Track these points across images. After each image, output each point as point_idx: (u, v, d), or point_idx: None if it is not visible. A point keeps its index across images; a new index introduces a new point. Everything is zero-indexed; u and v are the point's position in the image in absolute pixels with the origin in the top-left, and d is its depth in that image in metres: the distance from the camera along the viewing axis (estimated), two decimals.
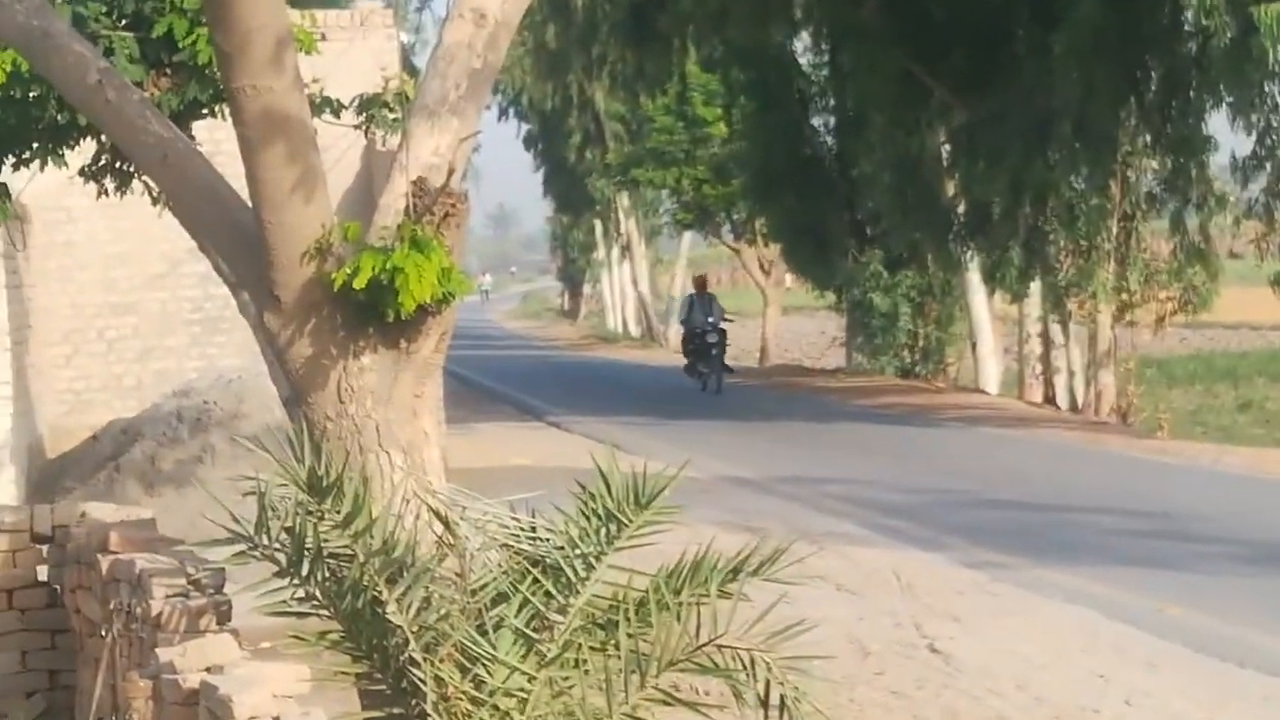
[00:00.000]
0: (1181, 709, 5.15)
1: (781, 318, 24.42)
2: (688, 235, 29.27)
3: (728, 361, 17.86)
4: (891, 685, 5.57)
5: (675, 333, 24.08)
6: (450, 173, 3.44)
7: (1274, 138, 12.76)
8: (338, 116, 5.65)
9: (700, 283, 18.87)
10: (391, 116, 6.06)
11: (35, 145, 5.88)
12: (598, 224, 31.54)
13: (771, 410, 16.56)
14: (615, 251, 31.73)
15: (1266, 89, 12.24)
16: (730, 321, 17.78)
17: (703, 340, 17.27)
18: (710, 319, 17.17)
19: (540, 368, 24.66)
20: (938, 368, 19.36)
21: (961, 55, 14.36)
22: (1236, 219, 14.46)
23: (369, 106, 6.05)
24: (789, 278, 24.53)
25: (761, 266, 23.96)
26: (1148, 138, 14.49)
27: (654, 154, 22.11)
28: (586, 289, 40.20)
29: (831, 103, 19.09)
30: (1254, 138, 12.84)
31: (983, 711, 5.18)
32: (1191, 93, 13.58)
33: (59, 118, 5.30)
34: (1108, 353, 15.22)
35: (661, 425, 14.28)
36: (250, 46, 3.21)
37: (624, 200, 27.60)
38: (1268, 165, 12.87)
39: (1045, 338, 17.19)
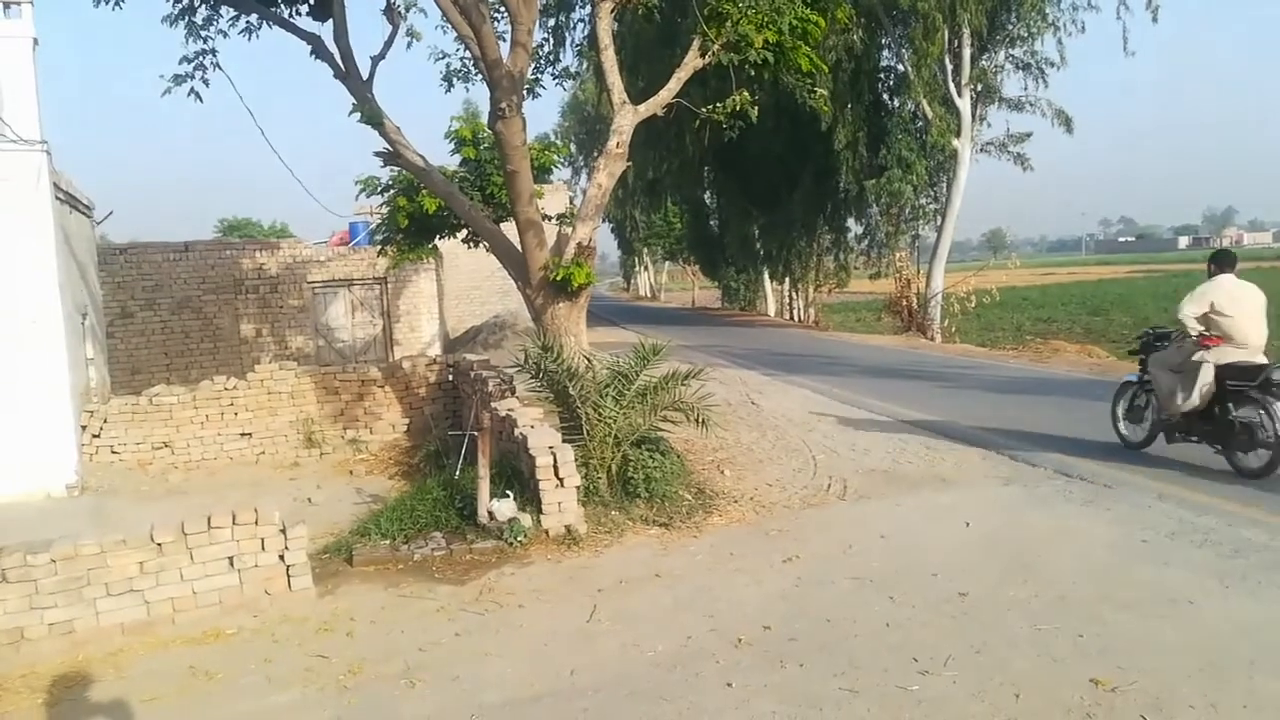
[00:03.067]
0: (841, 425, 10.61)
1: (700, 291, 58.92)
2: (667, 262, 68.48)
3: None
4: (740, 414, 11.92)
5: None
6: (590, 242, 9.43)
7: (871, 228, 30.27)
8: (551, 220, 12.17)
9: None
10: (568, 221, 12.61)
11: (445, 230, 13.06)
12: (634, 257, 70.53)
13: (695, 321, 37.38)
14: (641, 267, 73.54)
15: (869, 214, 29.69)
16: None
17: None
18: None
19: (612, 309, 49.51)
20: (752, 306, 44.10)
21: (761, 193, 31.96)
22: (857, 254, 32.58)
23: (564, 219, 12.64)
24: (702, 277, 55.31)
25: (693, 273, 57.78)
26: (827, 227, 32.89)
27: (657, 234, 53.68)
28: (631, 281, 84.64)
29: (717, 215, 42.08)
30: (864, 227, 31.14)
31: (773, 420, 11.37)
32: (842, 210, 31.38)
33: (454, 220, 12.23)
34: (809, 301, 36.28)
35: (667, 329, 29.05)
36: (519, 197, 9.32)
37: (645, 250, 63.12)
38: (865, 239, 31.04)
39: (788, 296, 38.95)
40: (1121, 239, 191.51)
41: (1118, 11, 23.60)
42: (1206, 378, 7.90)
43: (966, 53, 24.59)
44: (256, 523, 6.03)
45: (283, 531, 6.10)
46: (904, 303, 27.06)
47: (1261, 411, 7.49)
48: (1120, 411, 9.27)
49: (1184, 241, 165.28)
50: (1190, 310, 8.09)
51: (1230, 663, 4.48)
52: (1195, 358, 8.04)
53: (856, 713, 4.20)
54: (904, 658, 4.74)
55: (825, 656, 4.83)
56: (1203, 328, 8.03)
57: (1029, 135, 27.03)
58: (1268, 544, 6.16)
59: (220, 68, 10.67)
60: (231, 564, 5.96)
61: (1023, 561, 6.10)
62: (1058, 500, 7.55)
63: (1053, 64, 25.37)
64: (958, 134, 25.03)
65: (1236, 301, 8.04)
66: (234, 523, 5.98)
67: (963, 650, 4.78)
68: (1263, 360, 7.87)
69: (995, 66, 26.06)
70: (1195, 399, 7.97)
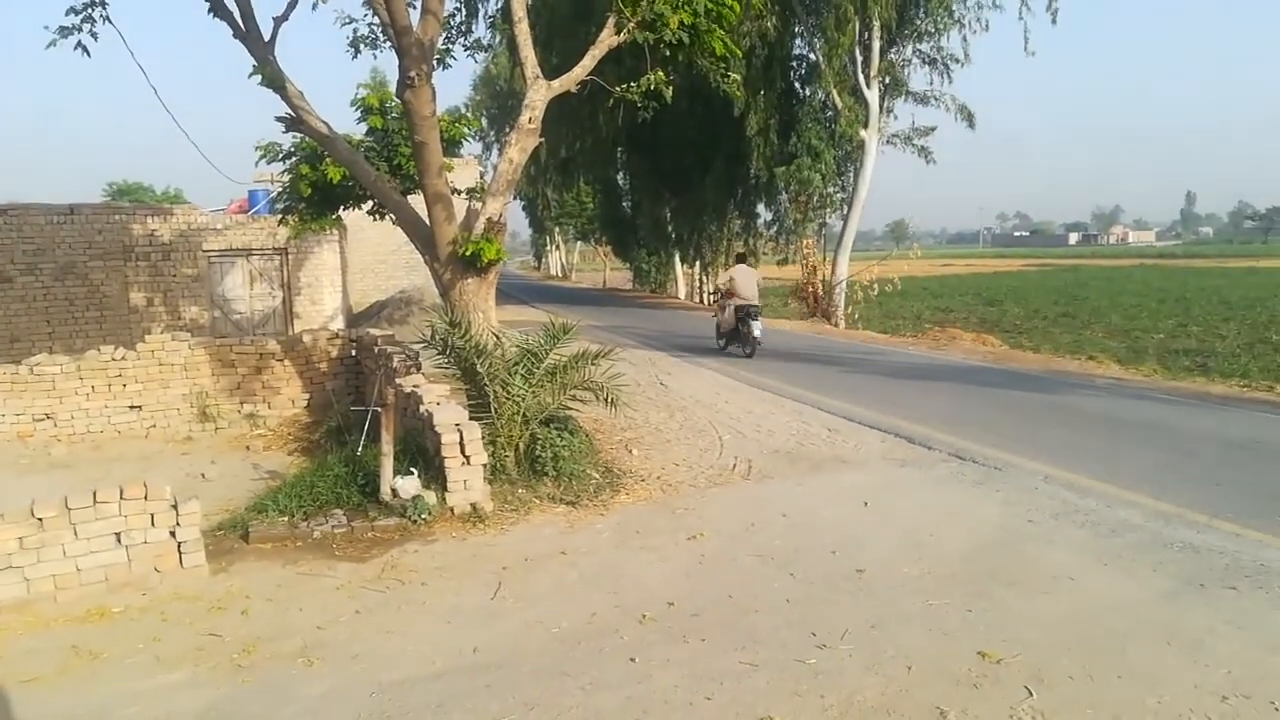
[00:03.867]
0: (746, 406, 11.47)
1: (611, 272, 57.63)
2: (579, 242, 68.85)
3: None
4: (648, 395, 12.07)
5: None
6: (500, 218, 9.30)
7: (780, 215, 30.46)
8: (461, 194, 11.93)
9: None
10: (478, 196, 12.38)
11: (349, 201, 12.64)
12: (546, 236, 69.68)
13: (605, 302, 36.27)
14: (552, 246, 73.71)
15: (778, 200, 30.02)
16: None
17: None
18: None
19: (522, 287, 49.72)
20: (663, 289, 43.56)
21: (673, 177, 32.50)
22: (766, 240, 32.98)
23: (474, 194, 12.47)
24: (613, 258, 55.49)
25: (604, 254, 57.98)
26: (738, 212, 33.35)
27: (569, 213, 53.26)
28: (542, 260, 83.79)
29: (629, 196, 41.88)
30: (773, 213, 31.65)
31: (681, 401, 11.61)
32: (753, 196, 31.84)
33: (359, 191, 11.84)
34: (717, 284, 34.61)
35: (577, 309, 28.77)
36: (427, 170, 9.13)
37: (557, 229, 62.89)
38: (774, 226, 31.57)
39: (698, 280, 39.08)
40: (1017, 234, 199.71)
41: (1020, 12, 24.43)
42: (729, 312, 16.33)
43: (876, 45, 25.11)
44: (146, 498, 5.79)
45: (174, 507, 5.88)
46: (810, 289, 27.60)
47: (748, 326, 15.93)
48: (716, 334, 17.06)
49: (1074, 238, 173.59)
50: (722, 280, 17.72)
51: (1106, 636, 4.74)
52: (726, 304, 16.44)
53: (756, 685, 4.30)
54: (803, 632, 4.87)
55: (727, 632, 4.92)
56: (724, 289, 16.87)
57: (933, 129, 27.78)
58: (1143, 525, 6.53)
59: (110, 21, 10.08)
60: (119, 540, 5.71)
61: (917, 540, 6.32)
62: (951, 481, 7.85)
63: (957, 60, 26.14)
64: (865, 125, 25.59)
65: (742, 275, 16.31)
66: (121, 497, 5.73)
67: (859, 625, 4.94)
68: (754, 304, 16.09)
69: (903, 60, 26.68)
70: (730, 321, 16.37)
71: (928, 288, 47.38)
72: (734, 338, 16.34)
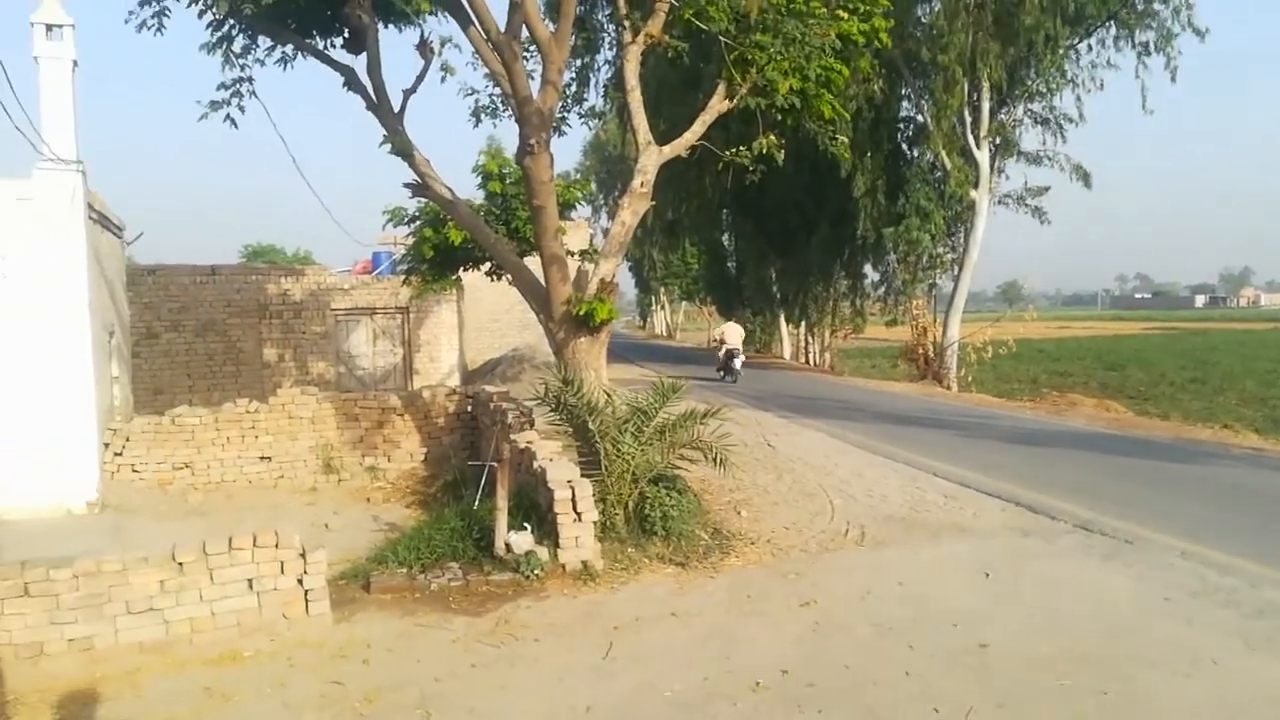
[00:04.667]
0: (857, 469, 11.16)
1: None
2: (683, 302, 69.18)
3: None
4: (756, 455, 11.78)
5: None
6: (613, 278, 9.51)
7: (888, 276, 29.59)
8: (574, 255, 12.32)
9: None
10: (590, 257, 12.74)
11: (468, 262, 13.26)
12: (651, 296, 70.80)
13: (710, 361, 31.54)
14: (658, 306, 74.06)
15: (886, 261, 29.11)
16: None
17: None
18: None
19: (628, 346, 47.49)
20: (767, 348, 41.62)
21: (779, 237, 32.21)
22: (873, 301, 31.91)
23: (586, 255, 12.90)
24: (718, 318, 50.13)
25: (709, 314, 56.22)
26: (844, 273, 32.19)
27: (675, 274, 54.48)
28: (647, 320, 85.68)
29: (734, 257, 41.84)
30: (881, 274, 30.48)
31: (789, 462, 11.36)
32: (859, 257, 30.57)
33: (477, 253, 12.39)
34: (825, 346, 35.59)
35: (683, 368, 28.51)
36: (544, 232, 9.43)
37: (663, 289, 64.13)
38: (882, 287, 30.45)
39: (803, 340, 38.12)
40: (1138, 295, 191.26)
41: (1136, 71, 23.76)
42: (721, 353, 22.91)
43: (985, 106, 24.79)
44: (277, 546, 6.05)
45: (302, 555, 6.12)
46: (920, 351, 27.04)
47: (732, 361, 22.57)
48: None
49: (1201, 300, 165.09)
50: (715, 334, 26.19)
51: None
52: (722, 350, 22.89)
53: None
54: (924, 708, 4.70)
55: (844, 703, 4.79)
56: (719, 339, 23.77)
57: (1047, 189, 27.14)
58: None
59: (256, 95, 10.88)
60: (250, 586, 5.98)
61: (1044, 615, 6.04)
62: (1078, 554, 7.49)
63: (1071, 120, 25.53)
64: (975, 185, 25.16)
65: (730, 330, 23.69)
66: (254, 545, 6.00)
67: (984, 703, 4.74)
68: (736, 348, 22.86)
69: (1014, 120, 26.22)
70: (721, 358, 22.70)
71: (1044, 350, 45.75)
72: (727, 370, 22.92)
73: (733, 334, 23.67)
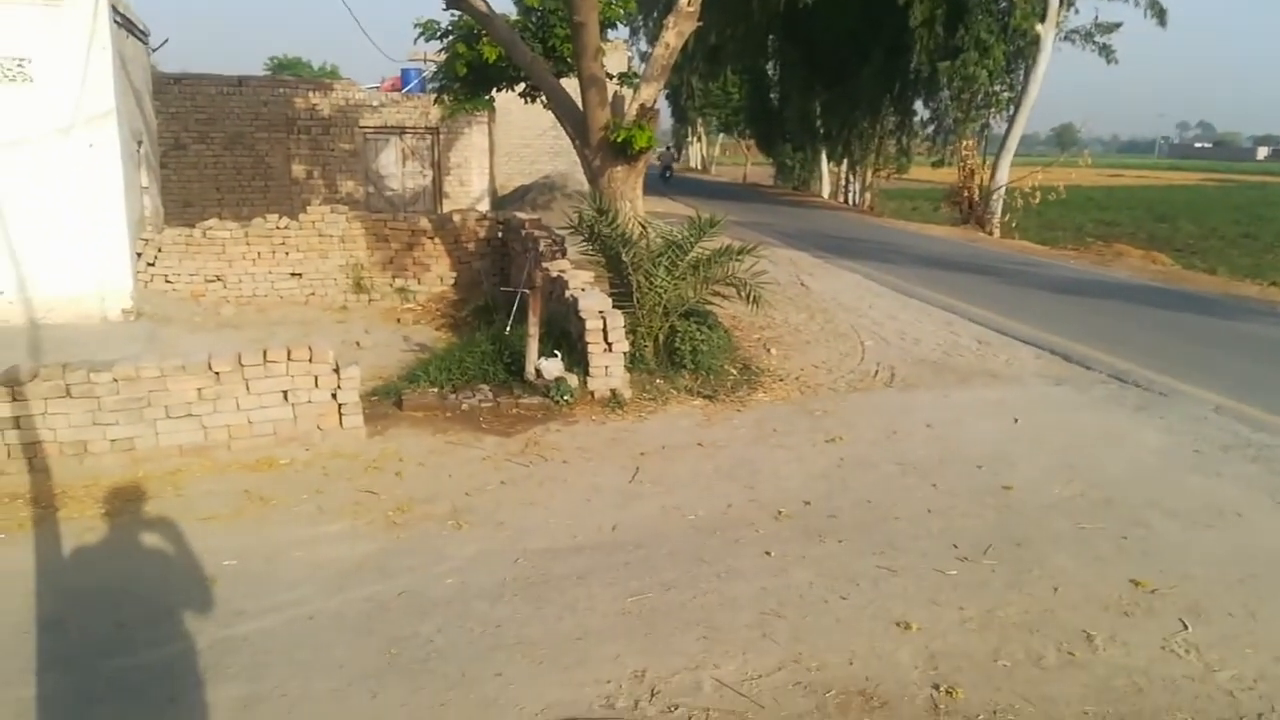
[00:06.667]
0: (891, 311, 11.20)
1: (752, 167, 54.81)
2: (721, 134, 66.76)
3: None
4: (789, 295, 11.88)
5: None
6: (653, 104, 9.10)
7: (939, 114, 28.24)
8: (612, 79, 11.70)
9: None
10: (628, 81, 12.13)
11: (503, 82, 12.67)
12: (688, 127, 64.26)
13: (747, 198, 35.79)
14: (694, 137, 68.50)
15: (939, 98, 27.72)
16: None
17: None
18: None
19: (671, 180, 45.76)
20: (806, 186, 42.70)
21: (827, 68, 30.39)
22: (921, 140, 30.64)
23: (625, 79, 12.17)
24: (756, 153, 53.19)
25: (747, 148, 55.59)
26: (893, 109, 30.62)
27: (714, 104, 50.01)
28: (682, 152, 77.77)
29: (778, 88, 39.37)
30: (932, 112, 29.16)
31: (823, 303, 11.39)
32: (911, 92, 29.29)
33: (513, 73, 11.84)
34: (866, 185, 34.38)
35: (718, 203, 27.85)
36: (584, 52, 8.97)
37: (700, 120, 59.65)
38: (931, 125, 29.28)
39: (844, 179, 37.77)
40: (1198, 144, 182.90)
41: None
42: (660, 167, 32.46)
43: None
44: (311, 360, 6.11)
45: (336, 370, 6.19)
46: (965, 194, 26.22)
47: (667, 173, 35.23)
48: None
49: (1263, 152, 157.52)
50: (658, 153, 21.23)
51: (1274, 576, 4.45)
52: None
53: (892, 590, 4.25)
54: (944, 544, 4.77)
55: (864, 535, 4.87)
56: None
57: (1119, 25, 25.47)
58: None
59: None
60: (285, 398, 6.08)
61: (1070, 461, 6.04)
62: (1110, 404, 7.43)
63: None
64: (1042, 18, 23.62)
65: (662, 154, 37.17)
66: (289, 358, 6.06)
67: (1003, 541, 4.80)
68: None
69: None
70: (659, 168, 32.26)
71: (1093, 198, 44.22)
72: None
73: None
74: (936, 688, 3.45)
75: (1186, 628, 3.95)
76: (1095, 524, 5.04)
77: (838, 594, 4.20)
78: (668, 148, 22.92)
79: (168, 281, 10.98)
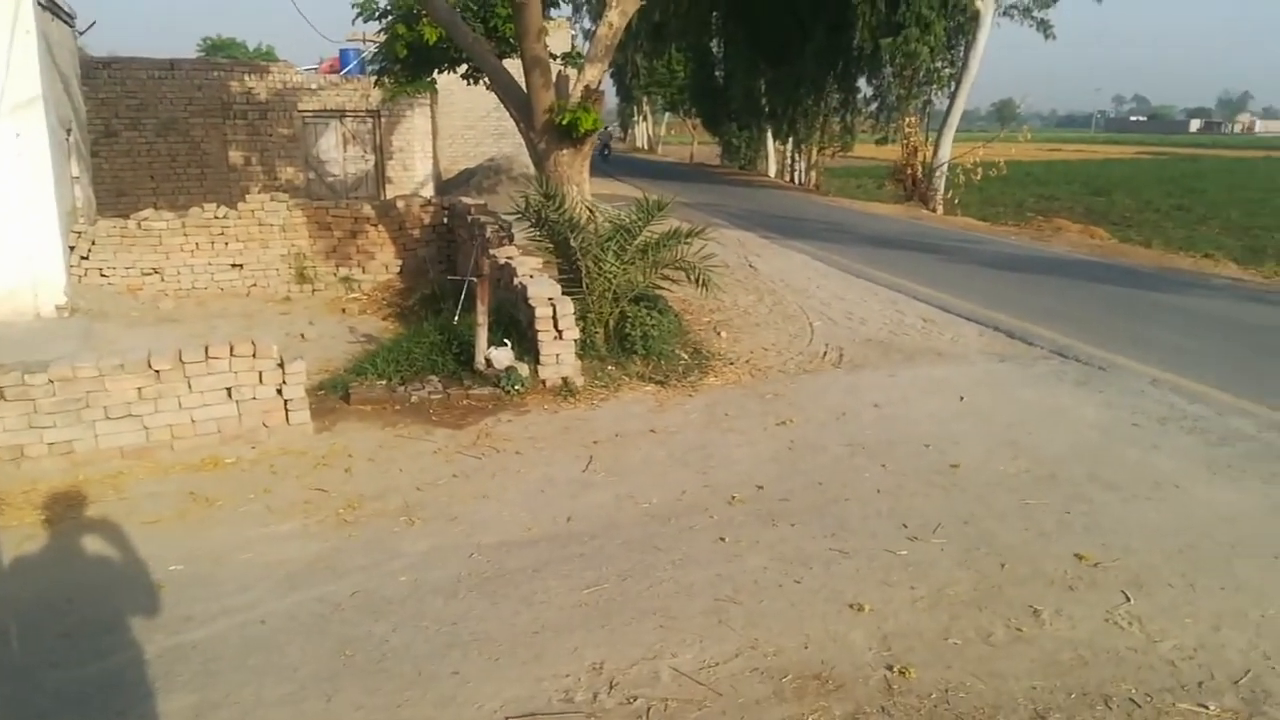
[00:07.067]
0: (838, 291, 11.36)
1: (699, 146, 55.84)
2: (667, 113, 66.31)
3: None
4: (737, 277, 11.98)
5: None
6: (598, 85, 9.03)
7: (882, 91, 28.49)
8: (556, 59, 11.56)
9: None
10: (571, 61, 12.02)
11: (444, 64, 12.41)
12: (634, 106, 66.33)
13: (694, 178, 36.39)
14: (640, 117, 70.53)
15: (881, 74, 27.85)
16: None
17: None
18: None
19: (618, 160, 46.80)
20: (752, 165, 42.97)
21: (771, 46, 29.85)
22: (865, 118, 30.69)
23: (569, 59, 12.05)
24: (702, 131, 52.77)
25: (693, 127, 55.20)
26: (837, 87, 30.20)
27: (659, 83, 50.54)
28: (628, 132, 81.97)
29: (723, 66, 38.91)
30: (875, 89, 29.30)
31: (771, 284, 11.53)
32: (854, 70, 28.78)
33: (454, 54, 11.62)
34: (812, 164, 34.66)
35: (665, 184, 29.00)
36: (527, 33, 8.86)
37: (645, 99, 60.62)
38: (875, 103, 29.44)
39: (789, 158, 37.86)
40: (1133, 118, 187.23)
41: None
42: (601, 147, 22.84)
43: None
44: (254, 355, 5.99)
45: (280, 365, 6.07)
46: (909, 171, 26.56)
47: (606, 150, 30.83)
48: None
49: (1195, 125, 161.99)
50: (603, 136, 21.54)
51: (1211, 546, 4.60)
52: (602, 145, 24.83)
53: (845, 572, 4.32)
54: (893, 523, 4.85)
55: (816, 517, 4.93)
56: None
57: (1055, 0, 25.89)
58: (1255, 435, 6.25)
59: None
60: (229, 395, 5.96)
61: (1014, 438, 6.18)
62: (1052, 379, 7.61)
63: None
64: None
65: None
66: (231, 354, 5.94)
67: (951, 519, 4.89)
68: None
69: None
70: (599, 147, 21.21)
71: (1032, 174, 45.09)
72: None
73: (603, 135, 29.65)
74: (890, 668, 3.51)
75: (1129, 600, 4.07)
76: (1039, 499, 5.16)
77: (791, 578, 4.25)
78: (606, 126, 22.92)
79: (103, 275, 10.66)
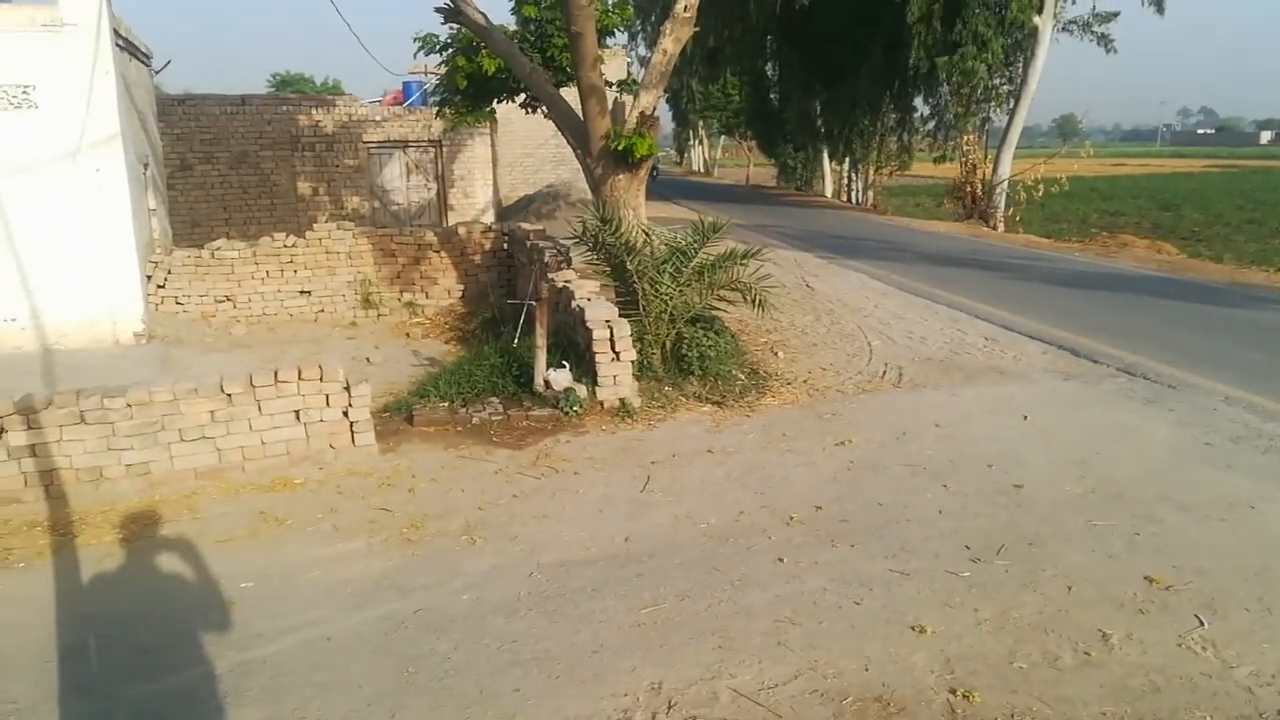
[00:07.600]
0: (897, 310, 11.23)
1: (755, 168, 55.62)
2: (722, 136, 67.72)
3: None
4: (794, 297, 11.90)
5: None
6: (653, 111, 9.13)
7: (939, 109, 28.25)
8: (612, 86, 11.73)
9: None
10: (627, 88, 12.20)
11: (503, 93, 12.74)
12: (689, 130, 67.13)
13: (749, 199, 36.64)
14: (695, 140, 71.70)
15: (938, 93, 27.76)
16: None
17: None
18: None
19: (664, 183, 46.57)
20: (809, 186, 43.18)
21: (826, 67, 29.90)
22: (922, 136, 30.47)
23: (624, 86, 12.20)
24: (758, 154, 53.68)
25: (749, 149, 56.76)
26: (893, 106, 30.35)
27: (715, 106, 50.86)
28: (684, 155, 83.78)
29: (777, 88, 39.02)
30: (931, 107, 29.15)
31: (828, 304, 11.41)
32: (910, 89, 29.00)
33: (513, 84, 11.92)
34: (869, 183, 34.93)
35: (721, 206, 29.71)
36: (583, 61, 9.01)
37: (701, 122, 61.51)
38: (932, 121, 29.22)
39: (846, 178, 38.35)
40: (1200, 131, 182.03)
41: None
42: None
43: None
44: (322, 379, 6.16)
45: (346, 389, 6.23)
46: (968, 189, 26.22)
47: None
48: None
49: (1266, 136, 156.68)
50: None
51: None
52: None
53: (906, 593, 4.27)
54: (956, 544, 4.78)
55: (876, 539, 4.88)
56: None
57: (1116, 14, 25.45)
58: None
59: None
60: (298, 417, 6.13)
61: (1080, 458, 6.05)
62: (1119, 398, 7.43)
63: None
64: (1040, 10, 23.64)
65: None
66: (300, 378, 6.11)
67: (1016, 541, 4.80)
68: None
69: None
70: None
71: (1097, 189, 44.15)
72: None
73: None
74: (953, 692, 3.46)
75: (1203, 624, 3.95)
76: (1108, 520, 5.04)
77: (851, 599, 4.22)
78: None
79: (178, 303, 11.06)
